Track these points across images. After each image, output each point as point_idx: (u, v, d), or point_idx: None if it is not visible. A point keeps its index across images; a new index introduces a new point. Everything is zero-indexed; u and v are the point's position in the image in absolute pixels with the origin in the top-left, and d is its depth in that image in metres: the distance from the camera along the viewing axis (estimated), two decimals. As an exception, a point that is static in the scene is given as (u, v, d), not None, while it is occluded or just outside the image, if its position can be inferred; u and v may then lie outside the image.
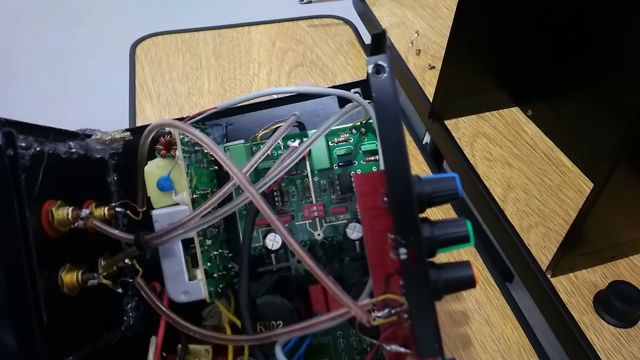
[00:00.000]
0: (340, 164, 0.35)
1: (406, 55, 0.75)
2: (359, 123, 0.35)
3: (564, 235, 0.44)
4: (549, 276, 0.47)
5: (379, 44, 0.24)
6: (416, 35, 0.78)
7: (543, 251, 0.49)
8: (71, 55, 1.69)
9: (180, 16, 1.77)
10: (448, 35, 0.54)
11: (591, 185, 0.54)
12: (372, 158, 0.35)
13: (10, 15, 1.84)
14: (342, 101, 0.37)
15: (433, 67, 0.72)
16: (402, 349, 0.23)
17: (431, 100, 0.63)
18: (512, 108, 0.65)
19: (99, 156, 0.36)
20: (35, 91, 1.57)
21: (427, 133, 0.74)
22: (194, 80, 0.77)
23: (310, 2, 0.84)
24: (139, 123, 0.70)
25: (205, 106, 0.35)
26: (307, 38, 0.85)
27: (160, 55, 0.82)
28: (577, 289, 0.46)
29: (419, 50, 0.75)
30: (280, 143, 0.35)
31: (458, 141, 0.61)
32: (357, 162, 0.35)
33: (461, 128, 0.63)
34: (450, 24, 0.53)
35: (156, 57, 0.82)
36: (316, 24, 0.89)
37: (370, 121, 0.35)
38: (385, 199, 0.23)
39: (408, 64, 0.73)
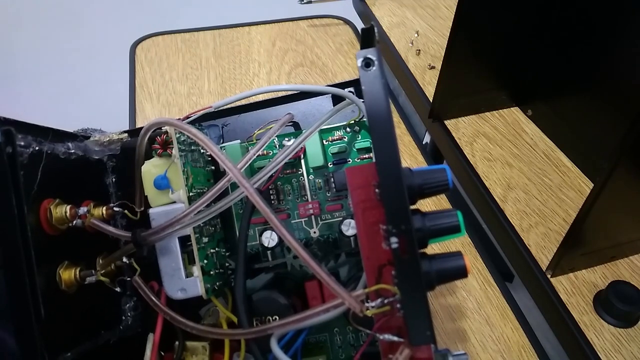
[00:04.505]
0: (334, 162, 0.35)
1: (406, 55, 0.75)
2: (353, 121, 0.35)
3: (564, 235, 0.44)
4: (549, 276, 0.47)
5: (368, 38, 0.24)
6: (416, 35, 0.78)
7: (543, 251, 0.49)
8: (71, 55, 1.69)
9: (180, 16, 1.77)
10: (448, 35, 0.54)
11: (591, 185, 0.54)
12: (366, 156, 0.35)
13: (11, 15, 1.85)
14: (337, 101, 0.37)
15: (433, 67, 0.71)
16: (396, 338, 0.23)
17: (431, 100, 0.63)
18: (512, 108, 0.64)
19: (97, 157, 0.36)
20: (35, 91, 1.58)
21: (427, 133, 0.74)
22: (194, 80, 0.77)
23: (310, 2, 0.84)
24: (139, 123, 0.70)
25: (205, 106, 0.35)
26: (307, 38, 0.85)
27: (160, 55, 0.82)
28: (577, 289, 0.46)
29: (419, 50, 0.75)
30: (276, 142, 0.35)
31: (458, 141, 0.61)
32: (351, 160, 0.35)
33: (461, 128, 0.62)
34: (450, 24, 0.53)
35: (156, 57, 0.82)
36: (316, 24, 0.89)
37: (364, 119, 0.35)
38: (377, 190, 0.23)
39: (408, 64, 0.73)
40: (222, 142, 0.37)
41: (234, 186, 0.29)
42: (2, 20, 1.82)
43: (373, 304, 0.24)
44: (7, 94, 1.56)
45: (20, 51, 1.74)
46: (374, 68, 0.22)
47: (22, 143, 0.28)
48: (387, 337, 0.23)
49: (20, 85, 1.62)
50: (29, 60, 1.70)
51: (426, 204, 0.58)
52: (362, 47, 0.26)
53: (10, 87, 1.61)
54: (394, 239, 0.21)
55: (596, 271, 0.48)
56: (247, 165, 0.31)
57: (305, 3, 0.84)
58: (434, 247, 0.47)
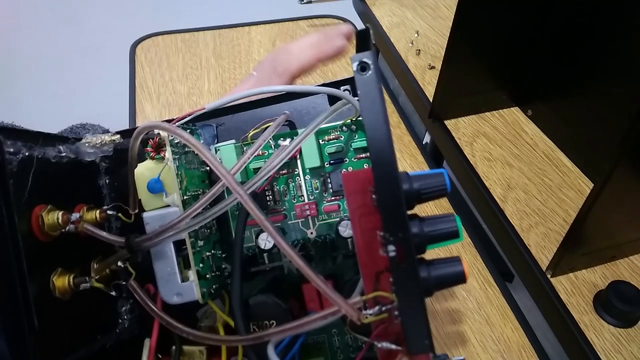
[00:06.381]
0: (331, 162, 0.34)
1: (406, 55, 0.74)
2: (349, 120, 0.34)
3: (564, 235, 0.44)
4: (549, 276, 0.47)
5: (363, 41, 0.23)
6: (416, 35, 0.78)
7: (543, 251, 0.49)
8: (71, 55, 1.69)
9: (180, 16, 1.78)
10: (448, 35, 0.54)
11: (591, 185, 0.54)
12: (364, 155, 0.34)
13: (11, 15, 1.85)
14: (333, 99, 0.36)
15: (433, 67, 0.71)
16: (394, 346, 0.23)
17: (431, 100, 0.63)
18: (512, 108, 0.64)
19: (89, 159, 0.35)
20: (35, 91, 1.58)
21: (427, 133, 0.74)
22: (194, 80, 0.77)
23: (310, 2, 0.84)
24: (139, 123, 0.70)
25: (198, 108, 0.34)
26: (307, 38, 0.85)
27: (160, 55, 0.82)
28: (577, 289, 0.46)
29: (419, 50, 0.75)
30: (272, 142, 0.35)
31: (458, 141, 0.61)
32: (348, 160, 0.35)
33: (461, 128, 0.62)
34: (450, 24, 0.53)
35: (156, 57, 0.82)
36: (316, 24, 0.89)
37: (361, 118, 0.34)
38: (373, 196, 0.23)
39: (408, 64, 0.73)
40: (217, 142, 0.37)
41: (230, 190, 0.28)
42: (2, 20, 1.82)
43: (371, 311, 0.23)
44: (7, 94, 1.56)
45: (20, 51, 1.75)
46: (370, 72, 0.21)
47: (12, 150, 0.27)
48: (385, 345, 0.23)
49: (20, 85, 1.63)
50: (29, 60, 1.71)
51: (426, 204, 0.58)
52: (357, 50, 0.26)
53: (10, 87, 1.61)
54: (391, 247, 0.21)
55: (596, 271, 0.47)
56: (242, 169, 0.30)
57: (305, 3, 0.84)
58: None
